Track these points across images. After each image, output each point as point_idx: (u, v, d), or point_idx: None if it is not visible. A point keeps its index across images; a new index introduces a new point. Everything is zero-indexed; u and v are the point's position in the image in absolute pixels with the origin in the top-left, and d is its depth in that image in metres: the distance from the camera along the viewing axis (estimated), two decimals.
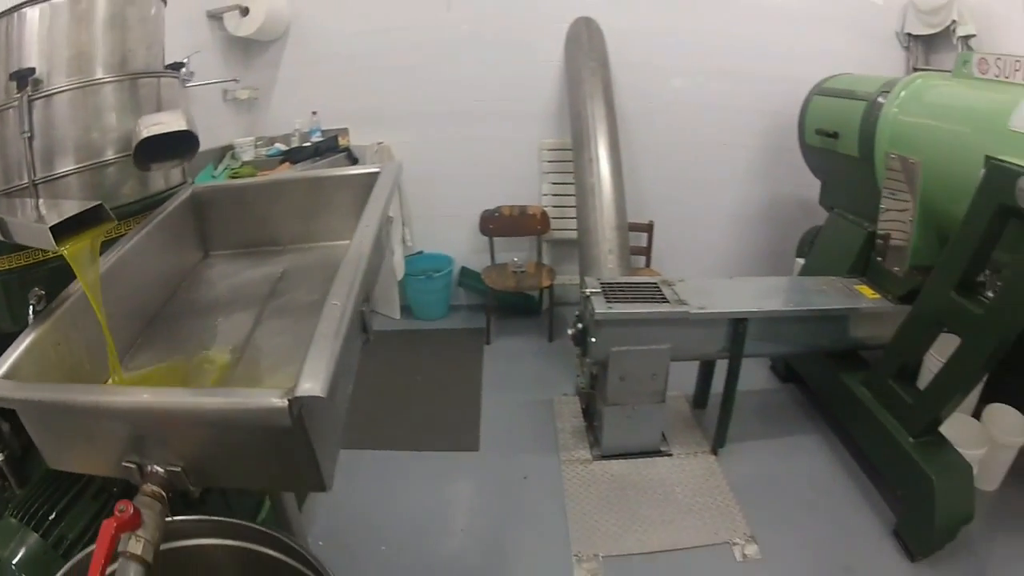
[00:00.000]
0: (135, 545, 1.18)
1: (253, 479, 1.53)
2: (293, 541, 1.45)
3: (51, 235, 1.40)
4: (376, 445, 3.46)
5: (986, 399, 3.24)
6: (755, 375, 4.04)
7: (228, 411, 1.20)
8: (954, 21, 4.28)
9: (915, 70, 4.44)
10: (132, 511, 1.18)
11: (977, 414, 3.21)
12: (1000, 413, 3.13)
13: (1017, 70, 2.96)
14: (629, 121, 4.42)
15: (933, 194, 3.03)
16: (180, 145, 1.95)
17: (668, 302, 3.03)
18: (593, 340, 2.98)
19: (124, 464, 1.32)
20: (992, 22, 4.18)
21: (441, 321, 4.76)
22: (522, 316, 4.80)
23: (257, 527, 1.48)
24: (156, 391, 1.31)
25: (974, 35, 4.24)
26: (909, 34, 4.66)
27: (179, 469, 1.31)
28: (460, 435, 3.53)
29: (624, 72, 4.35)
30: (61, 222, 1.45)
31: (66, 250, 1.46)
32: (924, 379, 3.12)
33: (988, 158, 2.57)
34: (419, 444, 3.46)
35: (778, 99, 4.31)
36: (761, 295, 3.29)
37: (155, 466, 1.31)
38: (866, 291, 3.42)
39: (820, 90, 4.03)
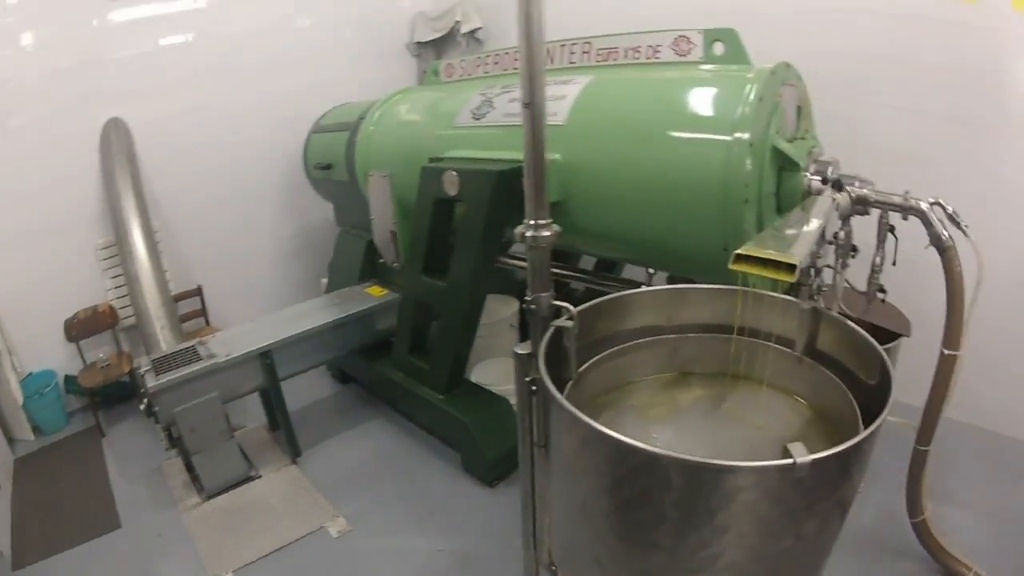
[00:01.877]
0: None
1: None
2: None
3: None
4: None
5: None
6: (320, 384, 4.55)
7: None
8: (458, 21, 4.77)
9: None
10: None
11: None
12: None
13: (478, 66, 3.52)
14: (166, 200, 4.65)
15: (405, 200, 3.61)
16: None
17: (202, 359, 3.40)
18: (156, 409, 3.26)
19: None
20: (499, 12, 4.73)
21: (66, 429, 4.63)
22: (128, 400, 4.82)
23: None
24: None
25: (480, 27, 4.79)
26: (419, 43, 5.10)
27: None
28: (98, 519, 3.58)
29: (154, 158, 4.57)
30: None
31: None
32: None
33: (424, 168, 3.20)
34: (60, 544, 3.44)
35: (299, 139, 4.75)
36: (287, 323, 3.74)
37: None
38: (375, 291, 4.06)
39: (317, 128, 4.49)
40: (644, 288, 1.99)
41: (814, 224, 1.76)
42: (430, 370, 3.59)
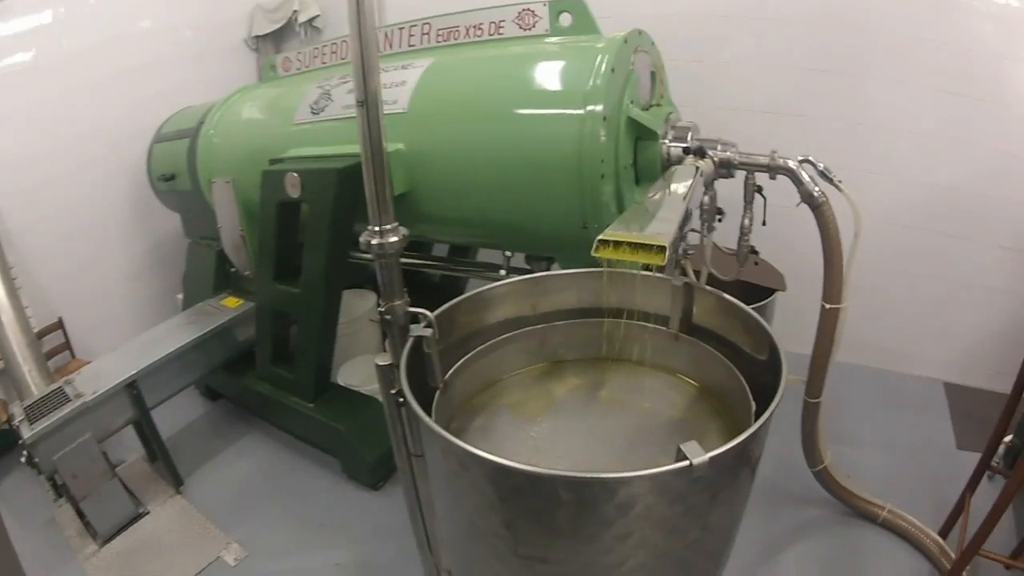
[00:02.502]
0: None
1: None
2: None
3: None
4: None
5: None
6: (190, 404, 4.24)
7: None
8: (295, 11, 4.53)
9: None
10: None
11: None
12: None
13: (316, 57, 3.33)
14: (18, 235, 4.22)
15: (251, 205, 3.40)
16: None
17: (71, 400, 3.13)
18: (37, 460, 2.99)
19: None
20: None
21: None
22: (13, 449, 4.38)
23: None
24: None
25: (317, 15, 4.56)
26: (257, 37, 4.83)
27: None
28: None
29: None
30: None
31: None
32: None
33: (265, 172, 3.02)
34: None
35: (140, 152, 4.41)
36: (148, 350, 3.49)
37: None
38: (231, 302, 3.82)
39: (158, 137, 4.16)
40: (502, 281, 1.85)
41: (679, 198, 1.67)
42: (295, 379, 3.44)
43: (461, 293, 4.07)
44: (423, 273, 3.75)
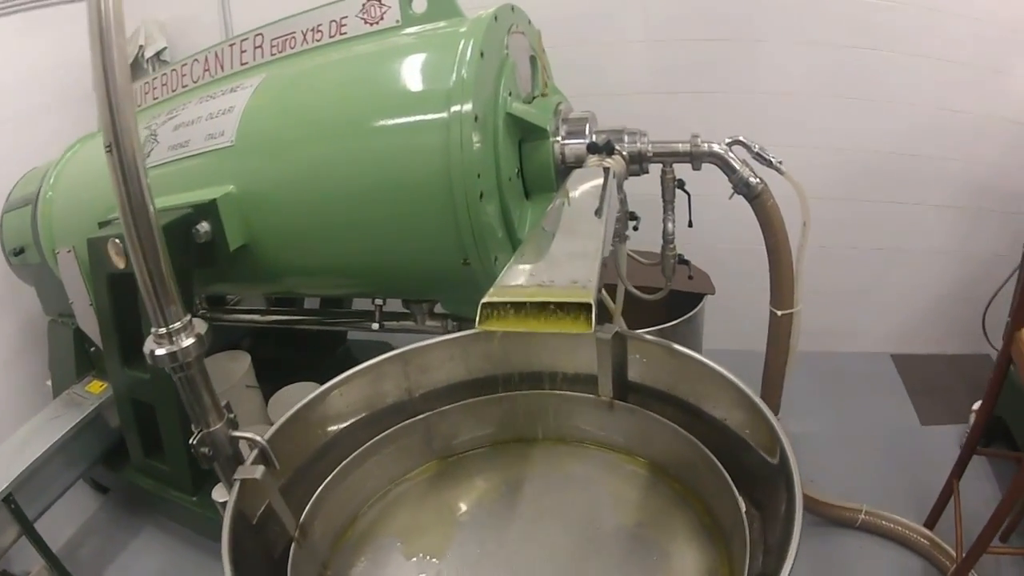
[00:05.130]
0: None
1: None
2: None
3: None
4: None
5: None
6: (81, 499, 3.68)
7: None
8: (141, 45, 4.13)
9: None
10: None
11: None
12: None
13: (147, 93, 2.87)
14: None
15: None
16: None
17: None
18: None
19: None
20: (185, 26, 4.14)
21: None
22: None
23: None
24: None
25: (164, 47, 4.16)
26: None
27: None
28: None
29: None
30: None
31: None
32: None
33: (89, 239, 2.53)
34: None
35: None
36: (19, 454, 2.97)
37: None
38: (95, 387, 3.31)
39: (8, 205, 3.62)
40: (356, 368, 1.34)
41: (593, 215, 1.19)
42: (171, 472, 2.94)
43: (345, 338, 3.57)
44: (291, 331, 3.27)
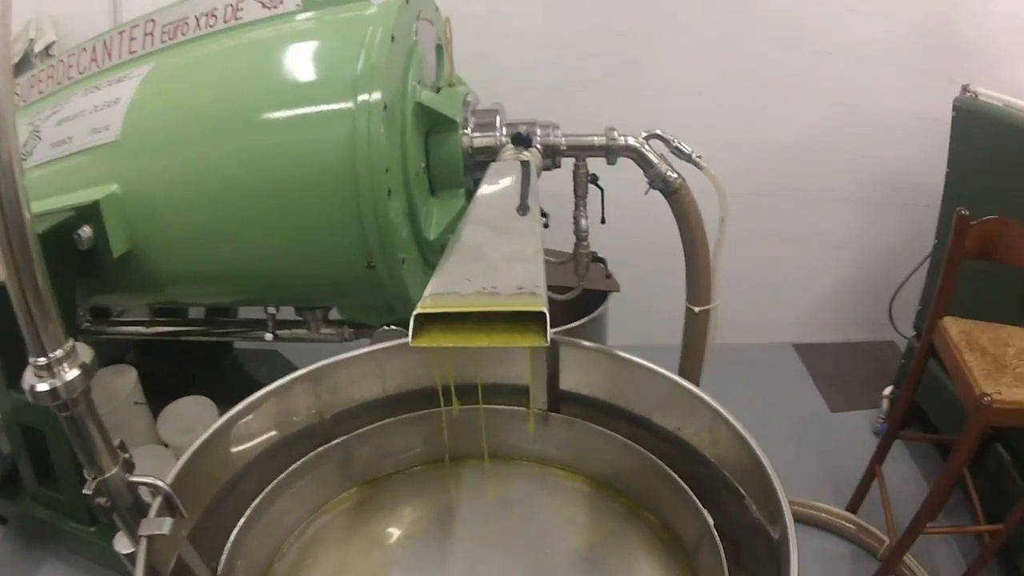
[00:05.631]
0: None
1: None
2: None
3: None
4: None
5: None
6: None
7: None
8: (32, 40, 3.75)
9: None
10: None
11: None
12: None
13: (33, 87, 2.52)
14: None
15: None
16: None
17: None
18: None
19: None
20: (76, 20, 3.76)
21: None
22: None
23: None
24: None
25: (54, 41, 3.75)
26: None
27: None
28: None
29: None
30: None
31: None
32: None
33: None
34: None
35: None
36: None
37: None
38: None
39: None
40: (260, 393, 1.16)
41: (522, 215, 1.07)
42: (66, 501, 2.68)
43: (231, 348, 3.33)
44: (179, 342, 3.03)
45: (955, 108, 2.35)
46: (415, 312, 0.79)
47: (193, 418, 2.81)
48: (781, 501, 0.91)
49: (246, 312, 2.92)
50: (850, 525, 2.30)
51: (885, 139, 2.94)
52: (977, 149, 2.31)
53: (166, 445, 2.77)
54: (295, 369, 1.19)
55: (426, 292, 0.82)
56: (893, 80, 2.82)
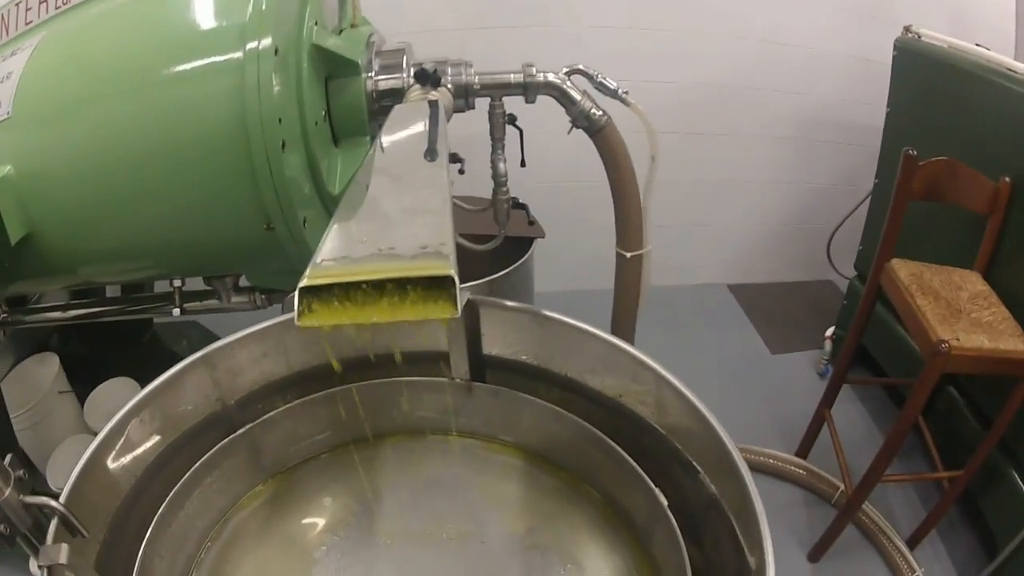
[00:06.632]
0: None
1: None
2: None
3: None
4: None
5: None
6: None
7: None
8: None
9: None
10: None
11: None
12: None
13: None
14: None
15: None
16: None
17: None
18: None
19: None
20: None
21: None
22: None
23: None
24: None
25: None
26: None
27: None
28: None
29: None
30: None
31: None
32: None
33: None
34: None
35: None
36: None
37: None
38: None
39: None
40: (151, 386, 1.01)
41: (427, 162, 0.93)
42: None
43: (151, 324, 3.13)
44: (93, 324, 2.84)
45: (896, 48, 2.27)
46: (299, 285, 0.66)
47: (120, 402, 2.61)
48: (746, 481, 0.81)
49: (161, 287, 2.74)
50: (802, 472, 2.26)
51: (812, 78, 2.87)
52: (918, 89, 2.24)
53: (96, 433, 2.57)
54: (216, 339, 1.05)
55: (314, 259, 0.69)
56: (821, 19, 2.76)
